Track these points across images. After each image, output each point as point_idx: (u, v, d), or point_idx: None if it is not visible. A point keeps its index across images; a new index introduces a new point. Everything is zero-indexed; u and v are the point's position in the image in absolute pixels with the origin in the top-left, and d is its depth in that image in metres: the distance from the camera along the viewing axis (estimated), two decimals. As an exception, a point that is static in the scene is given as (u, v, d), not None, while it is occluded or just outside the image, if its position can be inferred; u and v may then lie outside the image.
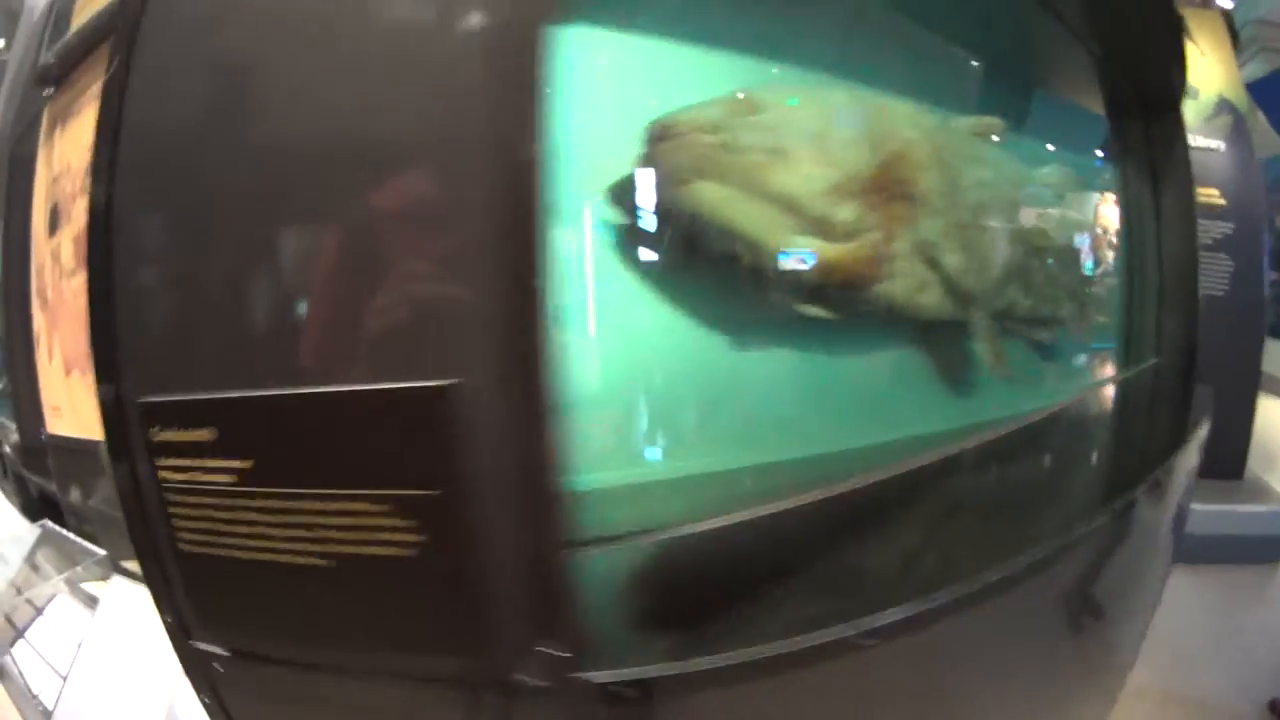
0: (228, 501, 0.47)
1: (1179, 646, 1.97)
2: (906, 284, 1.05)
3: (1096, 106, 1.85)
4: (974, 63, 1.44)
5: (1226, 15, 2.31)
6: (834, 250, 0.94)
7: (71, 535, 1.32)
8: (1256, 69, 3.29)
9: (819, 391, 1.12)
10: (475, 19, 0.51)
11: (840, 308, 1.02)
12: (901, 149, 1.03)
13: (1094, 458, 1.52)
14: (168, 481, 0.48)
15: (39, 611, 1.25)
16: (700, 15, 1.00)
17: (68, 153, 1.34)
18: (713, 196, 0.88)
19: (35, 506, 1.42)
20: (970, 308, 1.20)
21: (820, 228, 0.93)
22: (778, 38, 1.06)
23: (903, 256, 1.03)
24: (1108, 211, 1.86)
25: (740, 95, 0.92)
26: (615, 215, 0.89)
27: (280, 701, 0.53)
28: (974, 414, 1.31)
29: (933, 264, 1.08)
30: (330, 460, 0.45)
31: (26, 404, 1.40)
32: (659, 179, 0.87)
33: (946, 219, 1.10)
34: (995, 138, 1.32)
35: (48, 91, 1.39)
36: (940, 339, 1.24)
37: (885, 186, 0.99)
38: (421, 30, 0.52)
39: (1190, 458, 1.59)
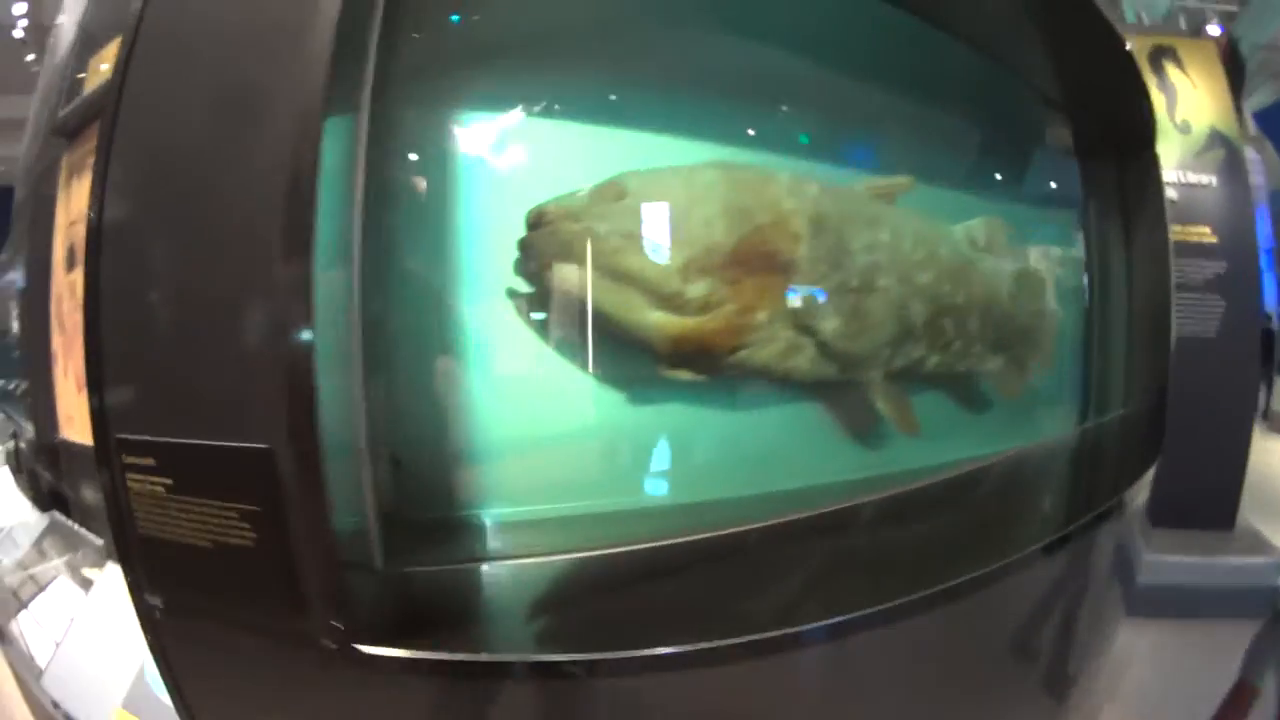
0: (163, 503, 0.71)
1: (1165, 707, 1.87)
2: (774, 350, 1.10)
3: (1056, 151, 1.82)
4: (907, 122, 1.45)
5: (1232, 43, 2.15)
6: (685, 324, 1.02)
7: (75, 526, 1.55)
8: (1266, 96, 3.02)
9: (705, 442, 1.18)
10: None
11: (708, 371, 1.09)
12: (772, 221, 1.08)
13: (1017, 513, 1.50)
14: (131, 488, 0.72)
15: (41, 589, 1.48)
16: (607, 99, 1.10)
17: (81, 202, 1.50)
18: (577, 278, 0.98)
19: (45, 499, 1.65)
20: (859, 368, 1.24)
21: (672, 303, 1.01)
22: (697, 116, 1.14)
23: (769, 324, 1.08)
24: (1065, 258, 1.82)
25: (609, 182, 1.01)
26: (510, 287, 1.01)
27: (194, 643, 0.77)
28: (888, 465, 1.34)
29: (806, 329, 1.13)
30: (209, 482, 0.69)
31: (43, 409, 1.63)
32: (534, 262, 0.98)
33: (827, 284, 1.15)
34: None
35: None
36: (839, 396, 1.29)
37: (745, 260, 1.05)
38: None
39: (1124, 520, 1.57)
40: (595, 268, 0.98)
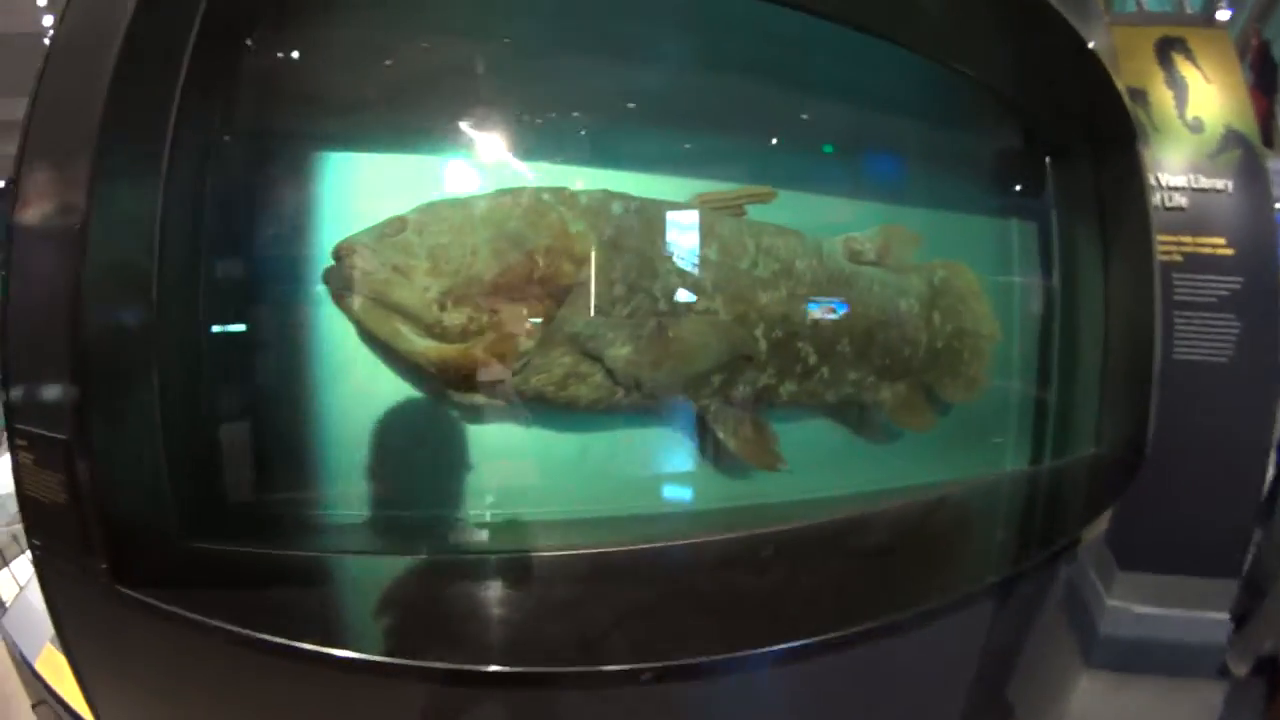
0: (32, 472, 0.91)
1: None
2: (550, 376, 1.09)
3: (1012, 156, 1.62)
4: (832, 131, 1.40)
5: (1263, 45, 1.78)
6: (446, 351, 1.04)
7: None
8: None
9: (519, 461, 1.18)
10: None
11: (495, 397, 1.09)
12: (549, 246, 1.06)
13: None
14: (20, 461, 0.91)
15: (23, 549, 1.71)
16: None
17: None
18: (358, 308, 1.04)
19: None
20: (672, 395, 1.17)
21: (434, 332, 1.03)
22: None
23: (541, 351, 1.07)
24: (1020, 272, 1.61)
25: (396, 216, 1.05)
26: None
27: (56, 573, 0.96)
28: (749, 497, 1.27)
29: (591, 356, 1.10)
30: (47, 459, 0.89)
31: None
32: (333, 292, 1.05)
33: (620, 309, 1.10)
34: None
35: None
36: (682, 423, 1.24)
37: (509, 288, 1.04)
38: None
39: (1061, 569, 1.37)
40: (371, 299, 1.03)
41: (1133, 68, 1.84)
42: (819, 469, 1.36)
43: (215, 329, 1.05)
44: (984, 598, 1.12)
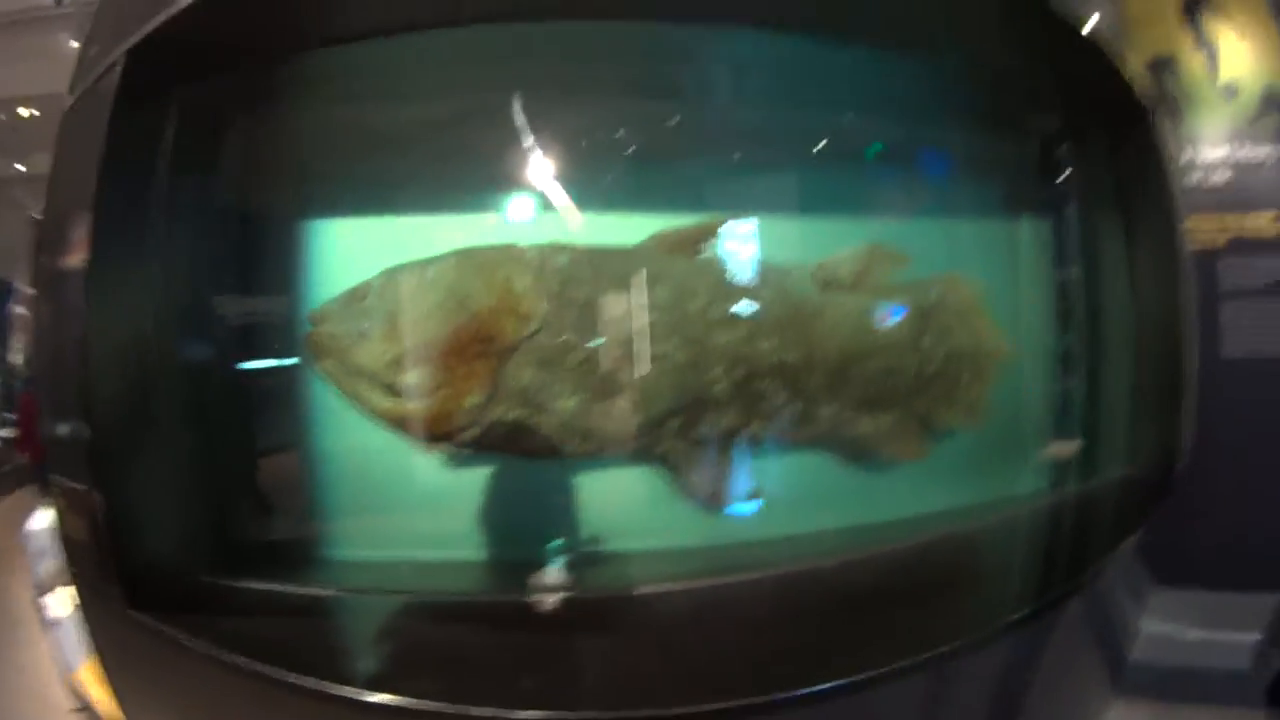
0: (66, 513, 1.06)
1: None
2: (501, 430, 1.11)
3: (1010, 146, 1.47)
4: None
5: None
6: (404, 409, 1.10)
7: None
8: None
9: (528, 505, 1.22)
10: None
11: (462, 447, 1.13)
12: (495, 305, 1.09)
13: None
14: (57, 504, 1.07)
15: None
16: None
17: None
18: (329, 370, 1.12)
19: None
20: (627, 442, 1.14)
21: (395, 391, 1.09)
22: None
23: (492, 406, 1.10)
24: (1024, 281, 1.46)
25: (363, 283, 1.12)
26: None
27: (90, 594, 1.09)
28: (729, 534, 1.23)
29: (541, 408, 1.11)
30: (76, 505, 1.02)
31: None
32: (312, 357, 1.14)
33: (568, 361, 1.11)
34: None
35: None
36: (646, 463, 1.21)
37: (458, 348, 1.09)
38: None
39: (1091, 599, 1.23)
40: (339, 363, 1.11)
41: (1158, 34, 1.64)
42: (803, 503, 1.28)
43: (221, 384, 1.15)
44: (994, 642, 1.05)
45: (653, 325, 1.12)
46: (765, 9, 1.11)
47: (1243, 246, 1.54)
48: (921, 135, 1.41)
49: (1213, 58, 1.59)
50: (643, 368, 1.12)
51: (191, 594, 1.05)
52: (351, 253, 1.21)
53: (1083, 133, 1.45)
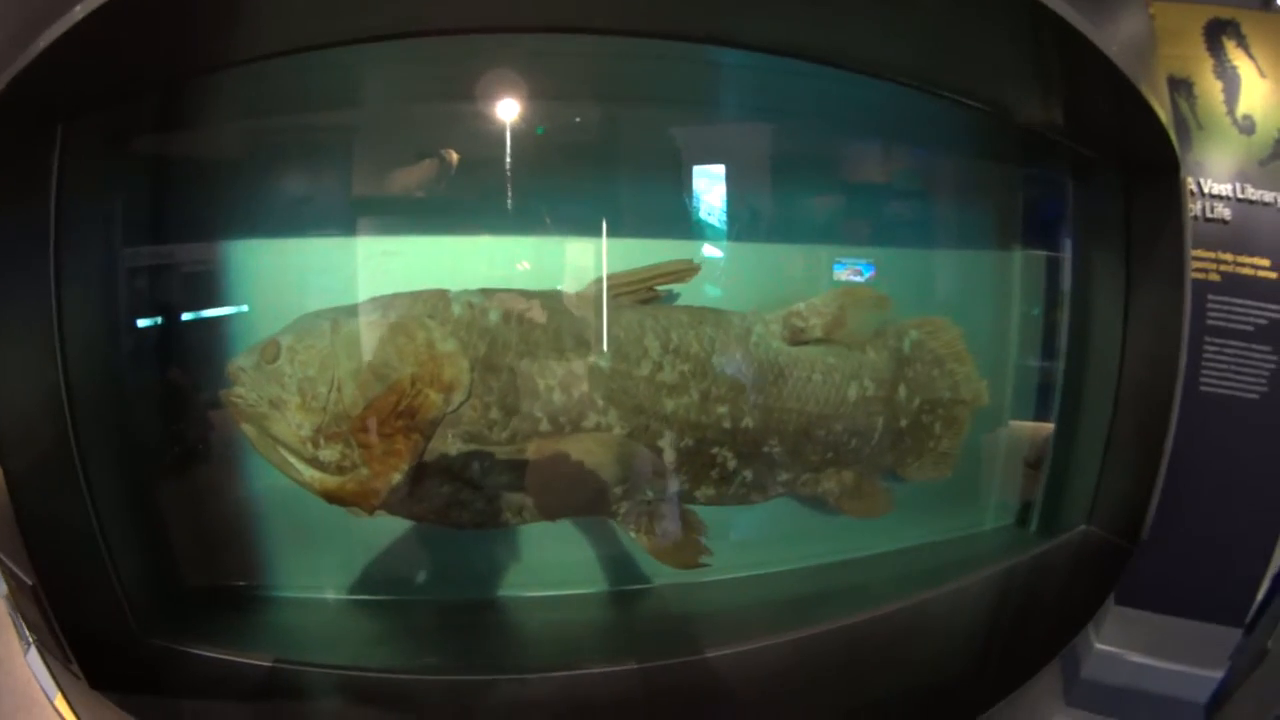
0: (17, 596, 0.93)
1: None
2: (430, 505, 1.01)
3: (1005, 180, 1.35)
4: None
5: None
6: (328, 483, 0.99)
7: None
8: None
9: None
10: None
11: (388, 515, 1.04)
12: (414, 374, 0.97)
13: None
14: (9, 587, 0.95)
15: None
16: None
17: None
18: (250, 435, 1.00)
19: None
20: (565, 512, 1.07)
21: (315, 465, 0.98)
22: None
23: (419, 482, 0.99)
24: (1017, 325, 1.36)
25: (270, 340, 0.98)
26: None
27: (54, 665, 1.01)
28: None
29: (469, 483, 1.00)
30: (17, 586, 0.91)
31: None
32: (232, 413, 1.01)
33: (495, 434, 1.00)
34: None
35: None
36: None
37: (378, 425, 0.96)
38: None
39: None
40: (257, 429, 0.99)
41: (1177, 53, 1.49)
42: (754, 546, 1.23)
43: (143, 433, 1.05)
44: None
45: (591, 396, 1.01)
46: (744, 29, 0.94)
47: (1234, 285, 1.48)
48: (911, 166, 1.29)
49: (1231, 88, 1.45)
50: (577, 442, 1.00)
51: (147, 664, 0.97)
52: (273, 280, 1.10)
53: (1094, 173, 1.31)
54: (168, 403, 1.09)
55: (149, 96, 1.01)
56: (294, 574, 1.15)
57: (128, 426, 1.03)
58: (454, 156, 1.07)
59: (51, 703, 1.33)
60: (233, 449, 1.09)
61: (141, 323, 1.07)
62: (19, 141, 0.85)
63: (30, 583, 0.87)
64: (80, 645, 0.90)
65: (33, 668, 1.24)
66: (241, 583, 1.15)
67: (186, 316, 1.11)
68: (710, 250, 1.17)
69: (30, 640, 1.13)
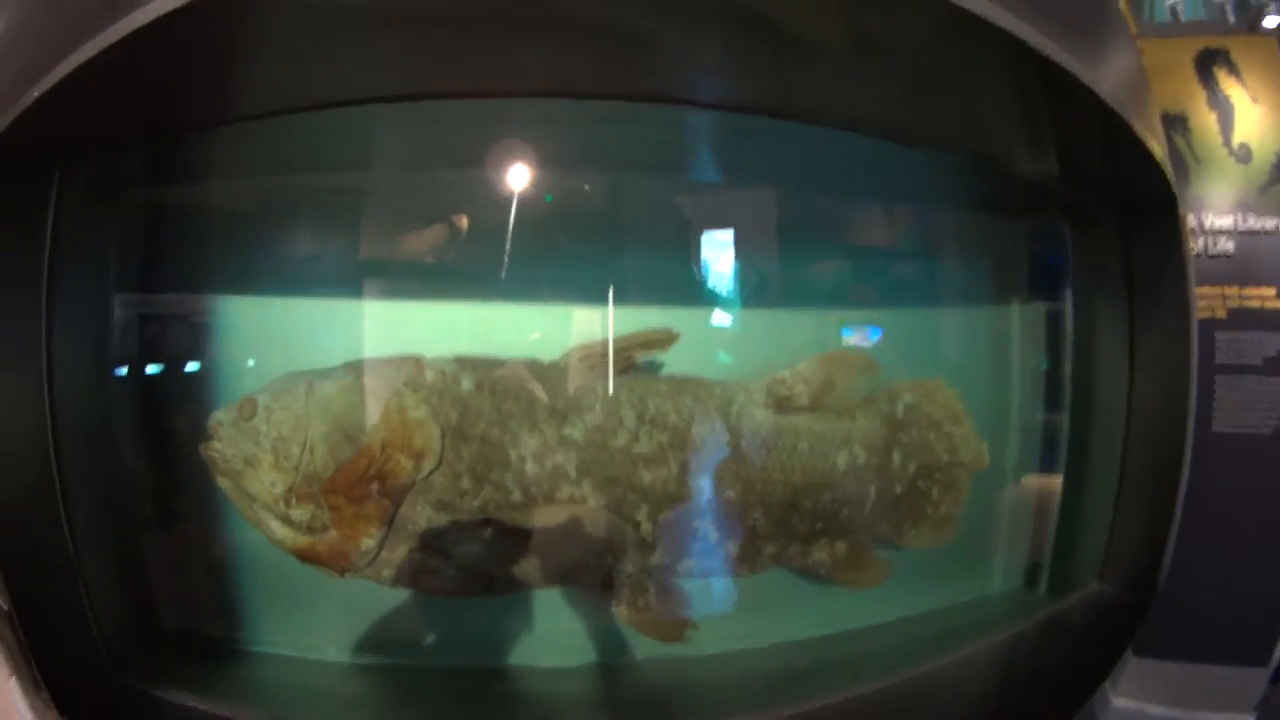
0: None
1: None
2: (398, 572, 0.99)
3: (1000, 231, 1.29)
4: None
5: None
6: (300, 542, 0.97)
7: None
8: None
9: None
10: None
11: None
12: (385, 439, 0.95)
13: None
14: None
15: None
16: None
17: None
18: (228, 489, 1.00)
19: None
20: (535, 584, 1.02)
21: (288, 524, 0.97)
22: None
23: (389, 548, 0.98)
24: (1017, 381, 1.29)
25: (247, 398, 0.98)
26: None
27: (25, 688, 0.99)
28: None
29: (438, 552, 0.98)
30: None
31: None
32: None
33: (465, 504, 0.98)
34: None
35: None
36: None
37: (345, 487, 0.95)
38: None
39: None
40: (233, 484, 0.99)
41: (1170, 89, 1.46)
42: (744, 617, 1.14)
43: (126, 478, 1.04)
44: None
45: (564, 467, 0.97)
46: (738, 90, 0.93)
47: (1242, 319, 1.43)
48: (906, 225, 1.24)
49: (1226, 118, 1.41)
50: (550, 514, 0.97)
51: (117, 701, 0.96)
52: (260, 334, 1.10)
53: (1092, 219, 1.25)
54: (152, 448, 1.08)
55: (147, 147, 1.03)
56: (272, 629, 1.12)
57: (111, 468, 1.03)
58: (463, 222, 1.06)
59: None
60: (215, 499, 1.05)
61: (129, 367, 1.07)
62: (16, 184, 0.87)
63: (5, 608, 0.87)
64: (50, 673, 0.90)
65: (14, 695, 1.24)
66: (219, 633, 1.12)
67: (174, 365, 1.10)
68: (719, 319, 1.14)
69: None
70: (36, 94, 0.75)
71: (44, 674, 0.89)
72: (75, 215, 0.93)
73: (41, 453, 0.91)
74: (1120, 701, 1.55)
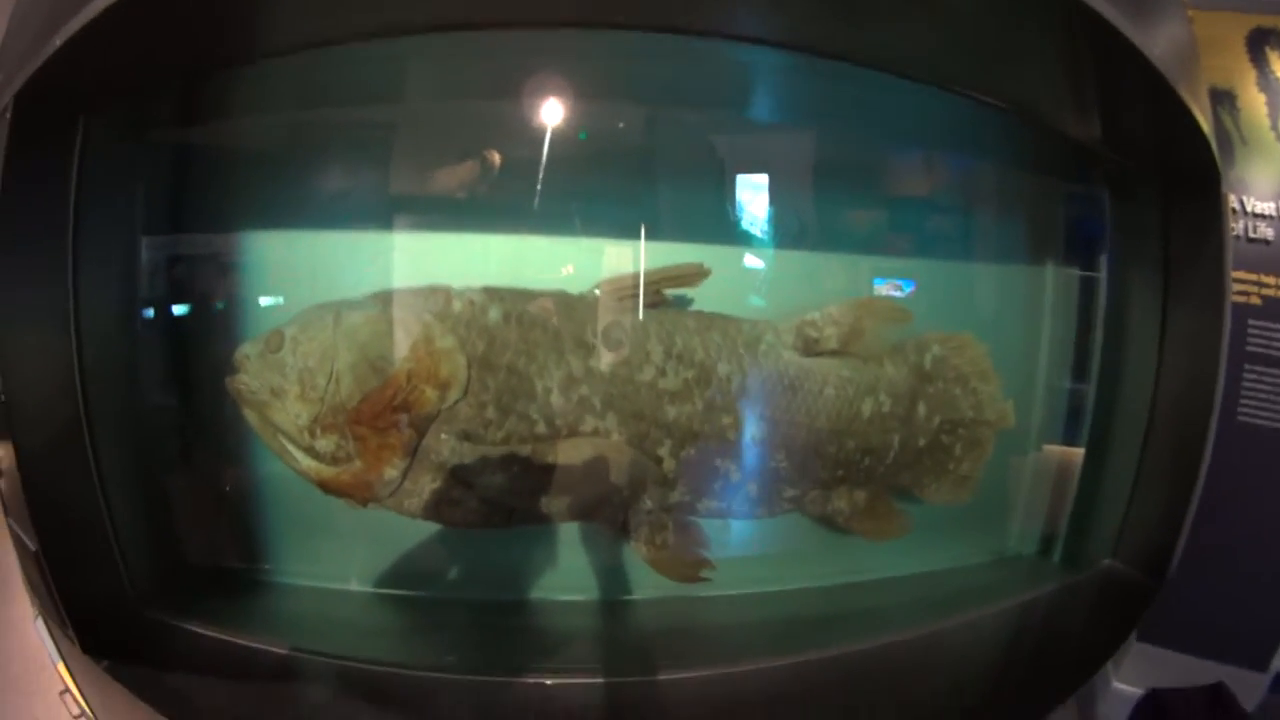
0: (23, 560, 0.96)
1: None
2: (420, 501, 0.99)
3: (1039, 191, 1.26)
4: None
5: None
6: (324, 473, 0.98)
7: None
8: None
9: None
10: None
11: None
12: (410, 370, 0.95)
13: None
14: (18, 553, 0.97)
15: None
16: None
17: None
18: (253, 421, 1.01)
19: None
20: (560, 517, 1.03)
21: (312, 454, 0.97)
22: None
23: (411, 478, 0.97)
24: (1049, 338, 1.27)
25: (275, 330, 0.99)
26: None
27: (56, 629, 0.99)
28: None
29: (461, 483, 0.97)
30: (21, 552, 0.93)
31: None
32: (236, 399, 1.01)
33: (490, 435, 0.98)
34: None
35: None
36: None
37: (368, 417, 0.95)
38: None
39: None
40: (258, 416, 0.99)
41: (1220, 64, 1.41)
42: (760, 561, 1.17)
43: (154, 414, 1.06)
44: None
45: (590, 399, 0.97)
46: (774, 26, 0.90)
47: (1277, 310, 1.40)
48: (948, 178, 1.22)
49: (1275, 101, 1.37)
50: (574, 447, 0.97)
51: (141, 635, 0.97)
52: (288, 271, 1.09)
53: (1133, 187, 1.22)
54: (178, 386, 1.10)
55: (171, 88, 1.02)
56: (295, 560, 1.14)
57: (138, 407, 1.04)
58: (495, 157, 1.05)
59: (55, 668, 1.36)
60: (240, 436, 1.07)
61: (156, 308, 1.08)
62: (42, 130, 0.86)
63: (34, 548, 0.87)
64: (76, 611, 0.90)
65: (41, 634, 1.27)
66: (242, 565, 1.14)
67: (200, 304, 1.11)
68: (752, 260, 1.13)
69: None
70: (59, 41, 0.75)
71: (70, 612, 0.90)
72: (101, 158, 0.93)
73: (69, 393, 0.92)
74: (1121, 685, 1.55)
